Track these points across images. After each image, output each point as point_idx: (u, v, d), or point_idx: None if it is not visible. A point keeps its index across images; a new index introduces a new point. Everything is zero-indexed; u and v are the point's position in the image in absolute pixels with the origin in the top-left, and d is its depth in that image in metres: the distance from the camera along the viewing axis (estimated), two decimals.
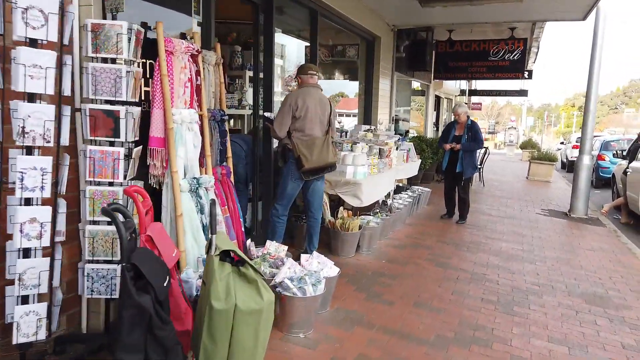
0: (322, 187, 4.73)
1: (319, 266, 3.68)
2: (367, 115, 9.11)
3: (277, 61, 6.66)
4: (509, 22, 10.03)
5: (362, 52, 8.98)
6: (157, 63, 3.20)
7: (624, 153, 10.09)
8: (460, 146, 7.23)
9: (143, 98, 3.30)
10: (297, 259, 3.80)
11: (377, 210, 6.06)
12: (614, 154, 11.93)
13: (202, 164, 3.63)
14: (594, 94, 8.60)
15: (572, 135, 26.30)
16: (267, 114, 4.96)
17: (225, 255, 2.48)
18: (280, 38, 7.34)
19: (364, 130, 7.55)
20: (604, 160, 13.79)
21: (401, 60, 10.37)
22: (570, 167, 19.92)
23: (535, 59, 16.30)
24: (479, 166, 12.39)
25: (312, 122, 4.45)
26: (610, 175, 11.60)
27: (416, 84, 14.10)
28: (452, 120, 7.56)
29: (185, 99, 3.40)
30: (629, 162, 9.25)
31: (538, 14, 8.76)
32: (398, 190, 8.41)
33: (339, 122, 8.20)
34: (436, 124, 16.56)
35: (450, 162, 7.48)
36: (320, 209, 4.75)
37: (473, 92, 24.15)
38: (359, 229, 5.19)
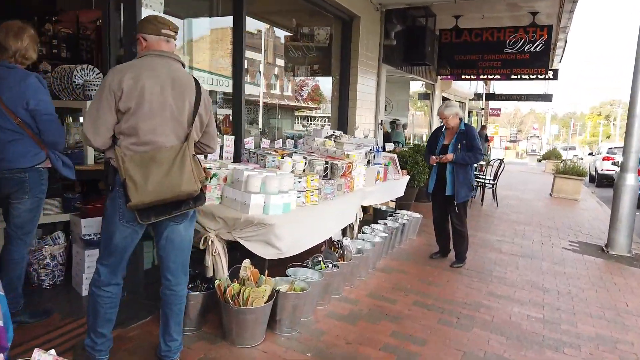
0: (189, 233, 2.73)
1: None
2: (341, 118, 7.09)
3: None
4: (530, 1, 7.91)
5: (336, 36, 6.97)
6: None
7: None
8: (451, 157, 5.16)
9: None
10: None
11: (320, 259, 4.02)
12: None
13: None
14: None
15: (602, 145, 23.78)
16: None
17: None
18: None
19: (325, 137, 5.52)
20: None
21: (392, 50, 8.32)
22: (600, 181, 17.53)
23: (562, 56, 14.04)
24: (492, 182, 10.21)
25: (153, 120, 2.47)
26: None
27: (418, 84, 12.00)
28: (441, 125, 5.48)
29: None
30: None
31: None
32: (379, 216, 6.36)
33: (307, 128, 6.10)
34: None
35: (439, 182, 5.41)
36: (182, 274, 2.74)
37: (491, 96, 21.89)
38: (270, 300, 3.16)
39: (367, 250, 4.73)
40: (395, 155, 6.39)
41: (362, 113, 7.24)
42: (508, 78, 13.73)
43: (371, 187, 5.18)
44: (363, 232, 5.30)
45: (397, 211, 6.70)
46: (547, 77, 15.06)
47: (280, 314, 3.33)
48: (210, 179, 3.32)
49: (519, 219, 8.89)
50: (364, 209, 7.38)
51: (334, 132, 5.63)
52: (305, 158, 4.02)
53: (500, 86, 21.37)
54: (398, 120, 11.76)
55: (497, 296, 4.63)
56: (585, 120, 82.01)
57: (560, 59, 14.35)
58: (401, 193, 6.44)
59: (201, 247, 3.22)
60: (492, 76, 10.50)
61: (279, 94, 9.52)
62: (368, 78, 7.33)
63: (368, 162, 5.42)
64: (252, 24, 6.87)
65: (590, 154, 24.44)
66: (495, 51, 9.21)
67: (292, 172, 3.86)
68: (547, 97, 19.89)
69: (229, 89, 8.48)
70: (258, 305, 3.02)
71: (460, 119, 5.37)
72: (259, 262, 3.36)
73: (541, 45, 8.94)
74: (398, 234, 5.94)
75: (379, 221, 5.91)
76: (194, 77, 2.69)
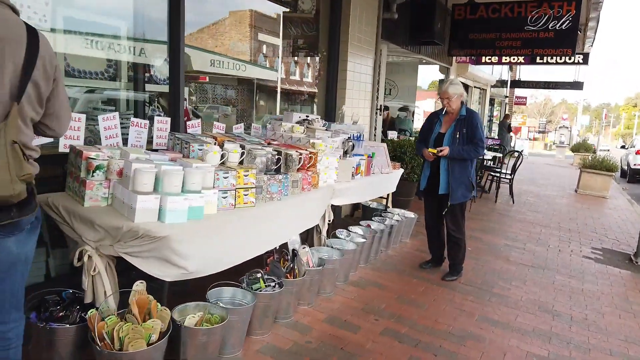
0: (24, 251, 1.93)
1: None
2: (328, 102, 6.18)
3: None
4: None
5: (324, 6, 6.03)
6: None
7: None
8: (446, 152, 4.23)
9: None
10: None
11: (259, 275, 3.17)
12: None
13: None
14: None
15: (636, 137, 22.14)
16: None
17: None
18: None
19: (297, 122, 4.64)
20: None
21: (395, 26, 7.34)
22: (632, 176, 16.17)
23: (594, 40, 12.71)
24: (509, 176, 9.16)
25: None
26: None
27: (430, 70, 10.93)
28: (439, 109, 4.52)
29: None
30: None
31: None
32: (368, 214, 5.48)
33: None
34: None
35: (432, 178, 4.49)
36: (12, 309, 1.94)
37: (516, 83, 20.50)
38: (163, 337, 2.33)
39: (333, 262, 3.85)
40: (384, 145, 5.45)
41: (354, 96, 6.31)
42: (532, 61, 12.52)
43: (346, 183, 4.29)
44: (336, 237, 4.42)
45: (389, 209, 5.79)
46: (576, 61, 13.75)
47: (185, 354, 2.51)
48: (93, 172, 2.50)
49: (536, 219, 7.86)
50: (357, 205, 6.51)
51: (306, 117, 4.74)
52: (242, 147, 3.16)
53: (526, 73, 19.93)
54: (408, 106, 10.75)
55: (492, 322, 3.71)
56: (619, 111, 78.51)
57: (592, 43, 13.01)
58: (391, 189, 5.52)
59: (75, 263, 2.41)
60: (512, 58, 9.36)
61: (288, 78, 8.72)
62: (362, 56, 6.38)
63: (345, 153, 4.52)
64: (269, 8, 6.07)
65: (623, 146, 22.83)
66: (516, 29, 8.08)
67: (222, 163, 3.01)
68: (577, 85, 18.39)
69: (245, 74, 7.71)
70: (137, 348, 2.19)
71: (463, 103, 4.41)
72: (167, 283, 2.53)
73: (568, 21, 7.78)
74: (384, 236, 5.04)
75: (361, 222, 5.02)
76: (32, 28, 1.85)
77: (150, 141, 3.49)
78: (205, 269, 2.63)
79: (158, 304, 2.45)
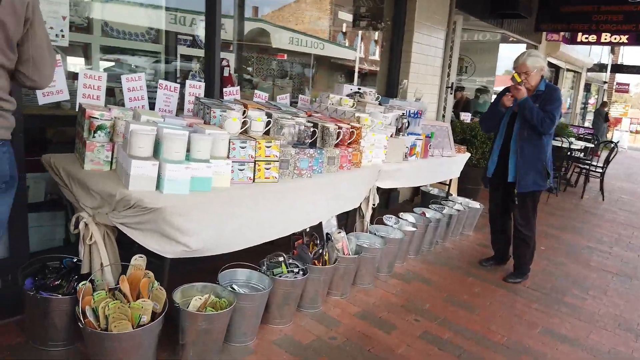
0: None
1: None
2: (390, 78, 5.68)
3: None
4: None
5: None
6: None
7: None
8: (524, 92, 3.62)
9: None
10: None
11: (282, 259, 2.84)
12: None
13: None
14: None
15: None
16: None
17: None
18: None
19: (347, 95, 4.23)
20: None
21: None
22: None
23: None
24: (600, 169, 8.12)
25: None
26: None
27: (514, 49, 9.92)
28: (511, 84, 3.89)
29: None
30: None
31: None
32: (427, 200, 5.00)
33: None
34: None
35: (501, 163, 3.90)
36: None
37: (618, 68, 18.41)
38: (155, 319, 2.08)
39: (373, 251, 3.45)
40: (447, 125, 4.89)
41: (420, 71, 5.75)
42: (637, 41, 11.03)
43: (397, 165, 3.83)
44: (383, 223, 3.99)
45: (451, 197, 5.24)
46: None
47: (184, 338, 2.25)
48: (94, 133, 2.28)
49: (629, 220, 6.86)
50: (417, 191, 6.00)
51: (358, 89, 4.31)
52: (269, 115, 2.82)
53: (631, 56, 17.81)
54: (487, 88, 9.87)
55: (558, 337, 3.14)
56: None
57: None
58: (454, 175, 4.97)
59: (72, 231, 2.23)
60: (613, 37, 8.22)
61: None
62: (432, 27, 5.78)
63: (398, 131, 4.05)
64: None
65: None
66: (617, 0, 7.00)
67: (245, 132, 2.70)
68: None
69: (324, 52, 7.48)
70: (121, 330, 1.96)
71: (543, 77, 3.76)
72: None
73: None
74: (441, 227, 4.53)
75: (415, 209, 4.54)
76: None
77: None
78: (213, 248, 2.35)
79: (155, 282, 2.21)
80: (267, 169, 2.61)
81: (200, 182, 2.24)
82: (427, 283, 3.74)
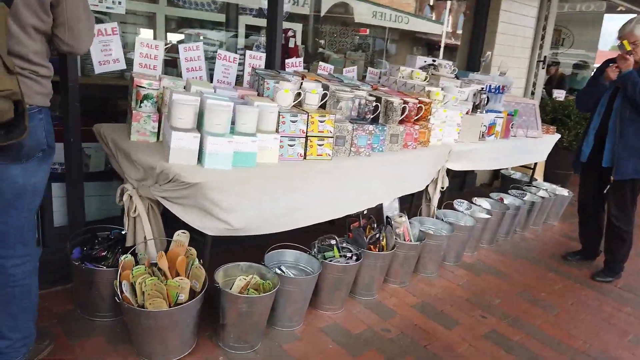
0: (30, 182, 1.73)
1: None
2: (472, 50, 5.21)
3: None
4: None
5: None
6: None
7: None
8: (631, 63, 3.12)
9: None
10: None
11: (334, 242, 2.66)
12: None
13: None
14: None
15: None
16: None
17: None
18: None
19: (420, 68, 3.91)
20: None
21: None
22: None
23: None
24: None
25: None
26: None
27: (621, 19, 8.78)
28: (618, 53, 3.33)
29: None
30: None
31: None
32: (507, 184, 4.60)
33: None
34: None
35: (597, 147, 3.41)
36: (16, 243, 1.76)
37: None
38: (193, 298, 2.01)
39: (439, 238, 3.16)
40: (534, 102, 4.38)
41: (508, 42, 5.20)
42: None
43: (471, 145, 3.48)
44: (453, 208, 3.67)
45: (535, 182, 4.75)
46: None
47: (224, 319, 2.17)
48: (141, 102, 2.21)
49: None
50: (496, 174, 5.51)
51: (433, 61, 3.95)
52: (325, 88, 2.60)
53: None
54: (587, 63, 8.88)
55: None
56: None
57: None
58: (539, 158, 4.48)
59: (117, 202, 2.20)
60: None
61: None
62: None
63: (476, 107, 3.67)
64: None
65: None
66: None
67: (298, 105, 2.52)
68: None
69: (408, 26, 7.16)
70: (156, 307, 1.90)
71: None
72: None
73: None
74: (521, 214, 4.11)
75: (491, 194, 4.14)
76: None
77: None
78: (257, 227, 2.22)
79: (196, 260, 2.12)
80: (320, 145, 2.42)
81: (244, 157, 2.11)
82: (500, 276, 3.39)
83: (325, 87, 2.62)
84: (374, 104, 2.81)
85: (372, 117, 2.83)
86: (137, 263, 2.12)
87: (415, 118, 3.02)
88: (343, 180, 2.54)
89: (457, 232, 3.31)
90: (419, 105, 3.00)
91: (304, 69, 4.44)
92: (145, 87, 2.20)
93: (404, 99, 2.96)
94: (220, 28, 4.26)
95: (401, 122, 2.93)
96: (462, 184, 5.10)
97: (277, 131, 2.30)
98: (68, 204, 2.58)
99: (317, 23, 5.91)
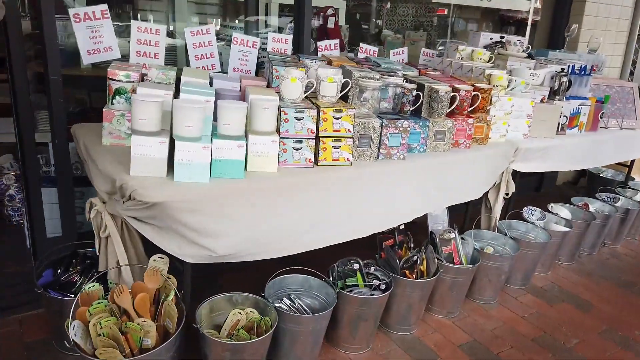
0: None
1: None
2: (555, 25, 4.38)
3: None
4: None
5: None
6: None
7: None
8: None
9: None
10: None
11: (357, 266, 2.16)
12: None
13: None
14: None
15: None
16: None
17: None
18: None
19: (485, 47, 3.24)
20: None
21: None
22: None
23: None
24: None
25: None
26: None
27: None
28: None
29: None
30: None
31: None
32: (596, 185, 3.85)
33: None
34: None
35: None
36: None
37: None
38: (155, 347, 1.61)
39: (499, 259, 2.54)
40: (634, 85, 3.52)
41: (600, 12, 4.30)
42: None
43: (546, 140, 2.79)
44: (522, 218, 3.01)
45: (632, 183, 3.91)
46: None
47: None
48: (113, 98, 1.82)
49: None
50: (582, 171, 4.59)
51: (500, 37, 3.25)
52: (348, 75, 2.08)
53: None
54: None
55: None
56: None
57: None
58: (638, 154, 3.62)
59: (88, 218, 1.84)
60: None
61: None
62: None
63: (554, 94, 2.96)
64: None
65: None
66: None
67: (311, 97, 2.02)
68: None
69: (491, 4, 6.37)
70: (105, 357, 1.52)
71: None
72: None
73: None
74: (612, 224, 3.35)
75: (573, 199, 3.40)
76: None
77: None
78: (250, 253, 1.78)
79: (172, 293, 1.72)
80: (336, 148, 1.91)
81: (228, 166, 1.66)
82: (580, 306, 2.70)
83: (348, 74, 2.10)
84: (415, 92, 2.24)
85: (411, 109, 2.26)
86: (105, 293, 1.76)
87: (470, 109, 2.40)
88: (367, 191, 2.01)
89: (525, 250, 2.66)
90: (474, 92, 2.38)
91: (349, 52, 3.93)
92: (116, 80, 1.81)
93: (456, 85, 2.36)
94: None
95: (450, 114, 2.34)
96: (539, 184, 4.33)
97: (278, 132, 1.83)
98: (60, 211, 2.30)
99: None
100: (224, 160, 1.65)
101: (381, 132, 2.05)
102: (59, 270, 1.96)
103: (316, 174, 1.89)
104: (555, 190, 4.45)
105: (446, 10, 6.03)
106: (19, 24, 2.08)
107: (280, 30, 4.13)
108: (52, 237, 2.40)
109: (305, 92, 1.99)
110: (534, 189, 4.31)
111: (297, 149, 1.86)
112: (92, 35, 2.21)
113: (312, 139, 1.87)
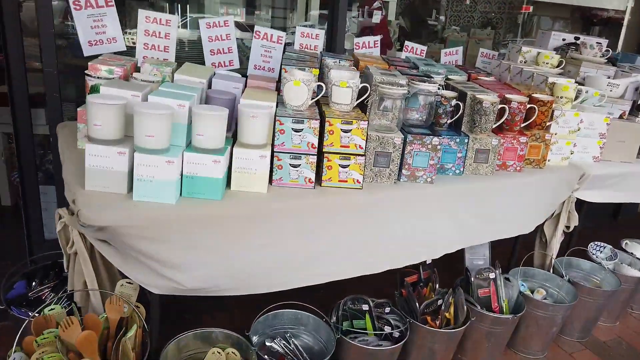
0: None
1: None
2: None
3: None
4: None
5: None
6: None
7: None
8: None
9: None
10: None
11: (366, 307, 1.81)
12: None
13: None
14: None
15: None
16: None
17: None
18: None
19: (555, 49, 2.75)
20: None
21: None
22: None
23: None
24: None
25: None
26: None
27: None
28: None
29: None
30: None
31: None
32: None
33: None
34: None
35: None
36: None
37: None
38: None
39: (550, 308, 2.09)
40: None
41: None
42: None
43: (623, 166, 2.28)
44: (586, 257, 2.51)
45: None
46: None
47: None
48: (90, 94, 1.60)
49: None
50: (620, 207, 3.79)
51: (575, 39, 2.73)
52: (367, 79, 1.72)
53: None
54: None
55: None
56: None
57: None
58: None
59: (56, 230, 1.63)
60: None
61: None
62: None
63: (637, 108, 2.43)
64: None
65: None
66: None
67: (322, 104, 1.70)
68: None
69: (581, 2, 5.76)
70: None
71: None
72: None
73: None
74: None
75: None
76: None
77: None
78: (228, 287, 1.50)
79: (132, 329, 1.47)
80: (344, 167, 1.58)
81: (201, 184, 1.38)
82: None
83: (368, 79, 1.75)
84: (454, 102, 1.85)
85: (448, 121, 1.88)
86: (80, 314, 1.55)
87: (524, 125, 1.97)
88: (382, 219, 1.67)
89: (586, 298, 2.18)
90: (529, 105, 1.95)
91: (396, 50, 3.55)
92: (92, 77, 1.58)
93: (507, 95, 1.94)
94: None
95: (498, 130, 1.93)
96: (616, 211, 3.71)
97: (273, 144, 1.53)
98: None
99: None
100: (197, 177, 1.38)
101: (404, 149, 1.69)
102: (33, 283, 1.78)
103: (317, 197, 1.57)
104: (634, 219, 3.80)
105: (531, 8, 5.42)
106: (17, 12, 1.94)
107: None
108: (50, 240, 2.26)
109: (314, 97, 1.67)
110: (612, 215, 3.70)
111: (294, 166, 1.55)
112: (95, 24, 2.02)
113: (314, 155, 1.55)
